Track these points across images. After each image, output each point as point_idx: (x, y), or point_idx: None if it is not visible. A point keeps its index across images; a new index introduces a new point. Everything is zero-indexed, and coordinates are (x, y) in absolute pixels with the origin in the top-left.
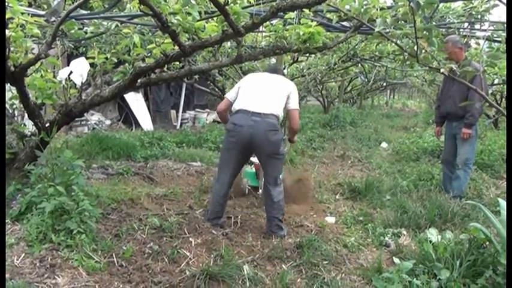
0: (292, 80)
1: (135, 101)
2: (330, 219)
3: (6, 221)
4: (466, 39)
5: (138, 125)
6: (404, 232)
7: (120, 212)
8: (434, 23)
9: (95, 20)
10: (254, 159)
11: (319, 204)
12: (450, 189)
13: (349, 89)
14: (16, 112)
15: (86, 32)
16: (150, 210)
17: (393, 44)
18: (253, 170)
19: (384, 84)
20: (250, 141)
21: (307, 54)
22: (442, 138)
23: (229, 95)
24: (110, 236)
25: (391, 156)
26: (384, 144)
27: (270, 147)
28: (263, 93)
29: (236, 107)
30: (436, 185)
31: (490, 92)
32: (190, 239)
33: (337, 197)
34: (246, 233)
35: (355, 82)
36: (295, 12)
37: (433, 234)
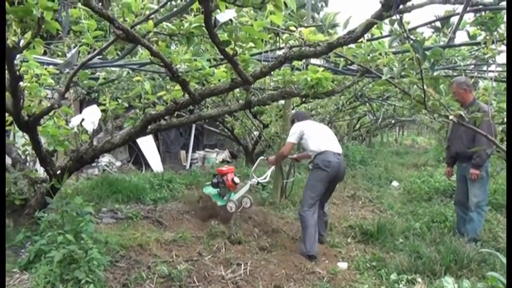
0: None
1: (145, 142)
2: (342, 265)
3: (15, 269)
4: (473, 80)
5: (148, 166)
6: (419, 279)
7: (129, 259)
8: (440, 66)
9: (107, 68)
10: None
11: (331, 249)
12: (464, 232)
13: (357, 126)
14: (28, 158)
15: (97, 78)
16: (159, 256)
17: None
18: (214, 190)
19: (393, 121)
20: (336, 175)
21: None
22: (454, 177)
23: (294, 140)
24: (118, 286)
25: (402, 196)
26: (395, 183)
27: (343, 177)
28: (331, 137)
29: (321, 148)
30: (450, 228)
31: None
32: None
33: (348, 240)
34: (256, 281)
35: (364, 120)
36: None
37: (449, 283)
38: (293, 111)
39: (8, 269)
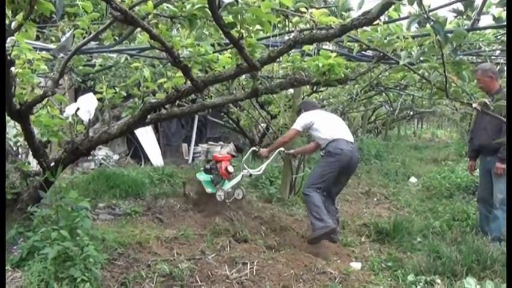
0: None
1: (145, 134)
2: (356, 265)
3: (7, 267)
4: (499, 67)
5: (147, 159)
6: (439, 281)
7: (128, 258)
8: (463, 51)
9: (104, 54)
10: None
11: (344, 248)
12: (488, 231)
13: (373, 118)
14: (20, 150)
15: (94, 65)
16: (159, 255)
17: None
18: (207, 176)
19: (411, 113)
20: (349, 164)
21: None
22: (477, 172)
23: (300, 128)
24: (116, 285)
25: (421, 193)
26: (413, 179)
27: (356, 167)
28: (343, 125)
29: (333, 136)
30: (472, 226)
31: None
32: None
33: (362, 239)
34: (263, 281)
35: (380, 111)
36: (313, 44)
37: (471, 284)
38: (301, 101)
39: None
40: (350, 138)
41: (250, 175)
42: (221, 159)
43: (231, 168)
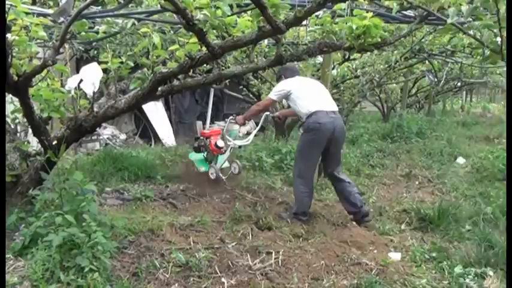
0: (343, 82)
1: (155, 111)
2: (395, 256)
3: (8, 255)
4: None
5: (157, 139)
6: (491, 273)
7: (139, 246)
8: None
9: (108, 18)
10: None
11: (381, 237)
12: None
13: (414, 91)
14: (19, 128)
15: (97, 32)
16: (173, 243)
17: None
18: (199, 155)
19: (459, 84)
20: (332, 136)
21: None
22: None
23: (275, 97)
24: (127, 275)
25: (470, 175)
26: (461, 160)
27: (344, 138)
28: (324, 93)
29: (311, 109)
30: None
31: None
32: (223, 279)
33: (402, 227)
34: (290, 273)
35: (422, 83)
36: (346, 1)
37: None
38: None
39: None
40: (331, 107)
41: (240, 146)
42: (209, 134)
43: (220, 143)
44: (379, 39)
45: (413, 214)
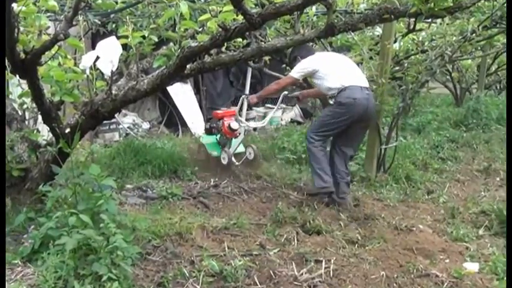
0: (407, 58)
1: (182, 96)
2: (471, 266)
3: (16, 261)
4: None
5: (186, 127)
6: None
7: (165, 252)
8: None
9: None
10: None
11: (454, 244)
12: None
13: (494, 68)
14: (27, 114)
15: (116, 2)
16: (205, 249)
17: None
18: (212, 138)
19: None
20: (364, 114)
21: (431, 20)
22: None
23: (298, 75)
24: (152, 286)
25: None
26: None
27: (374, 118)
28: (355, 68)
29: (344, 83)
30: None
31: None
32: None
33: (480, 232)
34: (343, 285)
35: (503, 58)
36: None
37: None
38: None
39: (7, 261)
40: (365, 83)
41: (255, 129)
42: (222, 115)
43: (234, 125)
44: (452, 3)
45: (494, 216)
